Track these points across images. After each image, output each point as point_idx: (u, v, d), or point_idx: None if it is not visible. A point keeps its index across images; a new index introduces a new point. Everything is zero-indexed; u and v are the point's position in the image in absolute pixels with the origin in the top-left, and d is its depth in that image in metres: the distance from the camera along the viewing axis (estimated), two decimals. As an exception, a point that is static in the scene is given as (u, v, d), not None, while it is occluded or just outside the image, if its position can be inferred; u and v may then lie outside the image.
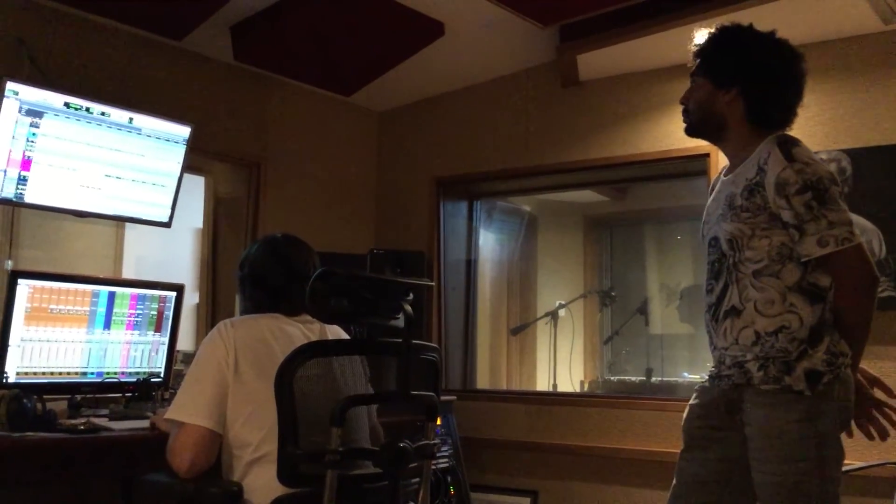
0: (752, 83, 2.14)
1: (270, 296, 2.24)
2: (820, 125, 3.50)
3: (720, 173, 2.30)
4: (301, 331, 2.17)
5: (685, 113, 2.25)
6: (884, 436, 2.13)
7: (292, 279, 2.23)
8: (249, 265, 2.29)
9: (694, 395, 2.25)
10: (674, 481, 2.22)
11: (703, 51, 2.22)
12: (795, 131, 3.53)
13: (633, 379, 4.87)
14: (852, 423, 2.09)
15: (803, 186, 1.98)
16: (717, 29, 2.21)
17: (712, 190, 2.30)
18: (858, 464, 2.98)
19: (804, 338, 2.00)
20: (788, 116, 2.17)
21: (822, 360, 1.99)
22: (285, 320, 2.18)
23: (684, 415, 2.24)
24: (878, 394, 2.18)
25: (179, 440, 2.03)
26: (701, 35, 2.23)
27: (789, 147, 2.03)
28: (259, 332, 2.11)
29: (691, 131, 2.26)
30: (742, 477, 2.09)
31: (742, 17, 3.33)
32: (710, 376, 2.20)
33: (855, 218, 3.29)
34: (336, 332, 2.31)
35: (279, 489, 1.93)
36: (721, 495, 2.13)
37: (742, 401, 2.07)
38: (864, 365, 2.14)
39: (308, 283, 2.20)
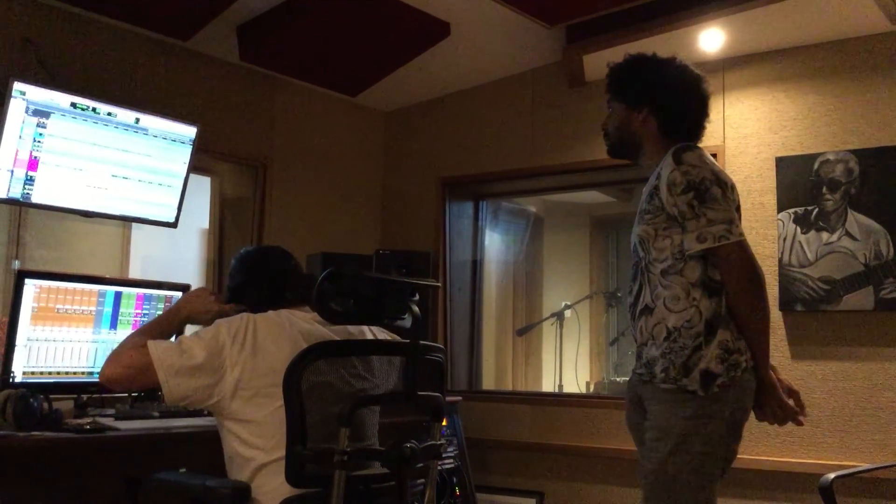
0: (659, 100, 2.29)
1: (279, 291, 2.24)
2: (827, 126, 3.49)
3: None
4: (323, 331, 2.14)
5: (606, 137, 2.42)
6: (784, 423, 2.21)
7: (289, 273, 2.28)
8: (247, 265, 2.32)
9: (627, 389, 2.36)
10: None
11: (615, 79, 2.39)
12: (807, 131, 3.51)
13: (639, 380, 4.85)
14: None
15: (687, 186, 2.12)
16: (624, 58, 2.38)
17: None
18: (866, 465, 2.97)
19: (701, 330, 2.10)
20: (697, 130, 2.33)
21: (716, 356, 2.07)
22: (310, 321, 2.14)
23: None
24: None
25: (135, 358, 2.04)
26: (610, 65, 2.40)
27: (681, 152, 2.17)
28: (281, 330, 2.07)
29: (613, 152, 2.44)
30: None
31: (749, 17, 3.35)
32: (633, 371, 2.31)
33: (862, 219, 3.34)
34: (375, 332, 2.27)
35: (289, 491, 1.93)
36: None
37: (647, 397, 2.18)
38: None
39: (296, 278, 2.23)
